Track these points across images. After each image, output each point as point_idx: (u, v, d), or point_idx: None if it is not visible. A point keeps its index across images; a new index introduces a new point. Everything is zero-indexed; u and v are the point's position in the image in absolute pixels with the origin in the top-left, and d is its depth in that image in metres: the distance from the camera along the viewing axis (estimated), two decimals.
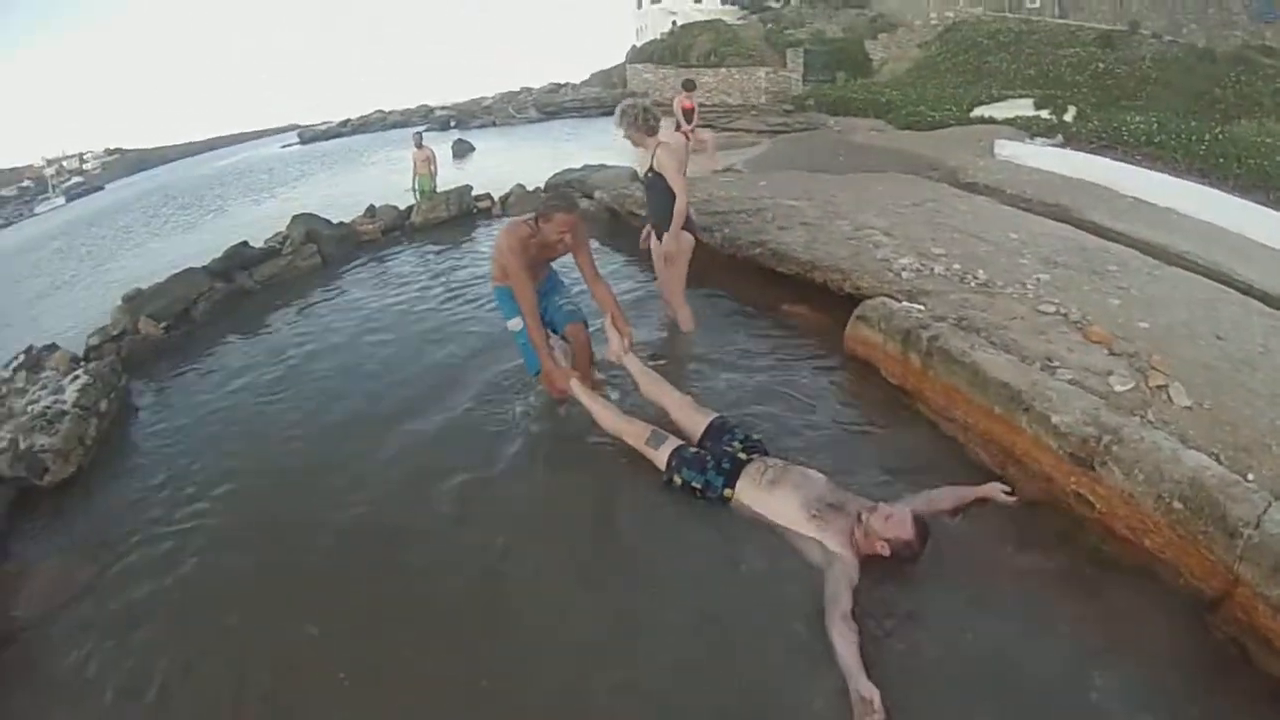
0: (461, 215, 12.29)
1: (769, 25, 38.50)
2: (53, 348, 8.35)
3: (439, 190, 13.83)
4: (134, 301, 8.88)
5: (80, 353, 8.10)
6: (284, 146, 66.10)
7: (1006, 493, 3.54)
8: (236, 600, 3.86)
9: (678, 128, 14.22)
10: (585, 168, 12.64)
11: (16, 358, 8.23)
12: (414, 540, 3.96)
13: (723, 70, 32.02)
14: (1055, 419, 3.55)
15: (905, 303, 5.02)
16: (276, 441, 5.50)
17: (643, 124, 5.71)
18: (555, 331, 5.07)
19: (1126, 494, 3.22)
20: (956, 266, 5.68)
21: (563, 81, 53.73)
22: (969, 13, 31.00)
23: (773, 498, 3.51)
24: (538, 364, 4.75)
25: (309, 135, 68.37)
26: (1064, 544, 3.42)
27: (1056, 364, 4.08)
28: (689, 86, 15.17)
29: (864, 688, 2.59)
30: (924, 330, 4.53)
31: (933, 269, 5.65)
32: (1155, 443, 3.25)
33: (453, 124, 45.05)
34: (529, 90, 54.66)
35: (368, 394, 5.91)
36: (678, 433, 4.11)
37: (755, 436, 4.02)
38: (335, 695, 3.13)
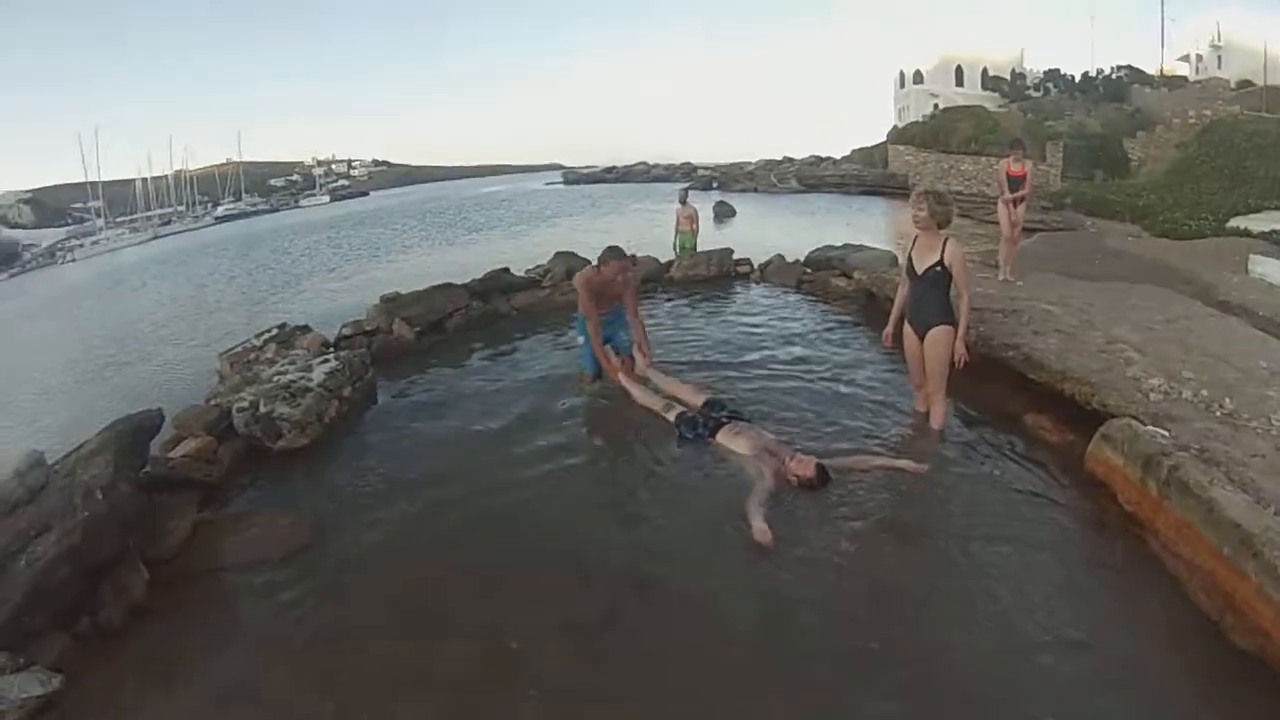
0: (721, 276, 12.34)
1: (1029, 115, 36.99)
2: (306, 329, 9.02)
3: (699, 249, 13.79)
4: (392, 303, 9.42)
5: (331, 339, 8.60)
6: (548, 184, 68.92)
7: (915, 467, 5.12)
8: (439, 593, 4.10)
9: (1000, 196, 11.12)
10: (845, 246, 12.22)
11: (269, 330, 8.92)
12: (588, 529, 4.79)
13: (983, 159, 31.01)
14: None
15: (1150, 426, 4.73)
16: (498, 451, 5.87)
17: (940, 216, 5.52)
18: (618, 351, 7.00)
19: None
20: (1204, 393, 5.27)
21: (824, 155, 53.74)
22: (1227, 111, 28.72)
23: (735, 442, 5.41)
24: (593, 365, 6.92)
25: (573, 177, 71.70)
26: (1270, 703, 3.15)
27: None
28: (1017, 146, 11.42)
29: (757, 526, 4.32)
30: (1165, 458, 4.21)
31: (1180, 393, 5.28)
32: None
33: (714, 185, 45.84)
34: (790, 160, 55.06)
35: (587, 422, 6.55)
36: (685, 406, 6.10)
37: (737, 411, 5.98)
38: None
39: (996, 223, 11.40)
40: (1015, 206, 10.89)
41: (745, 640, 3.65)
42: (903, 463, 5.21)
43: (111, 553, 4.17)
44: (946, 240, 5.55)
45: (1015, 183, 10.84)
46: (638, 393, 6.47)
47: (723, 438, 5.53)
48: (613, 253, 6.70)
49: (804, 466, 4.89)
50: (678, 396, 6.29)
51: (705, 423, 5.73)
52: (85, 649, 3.80)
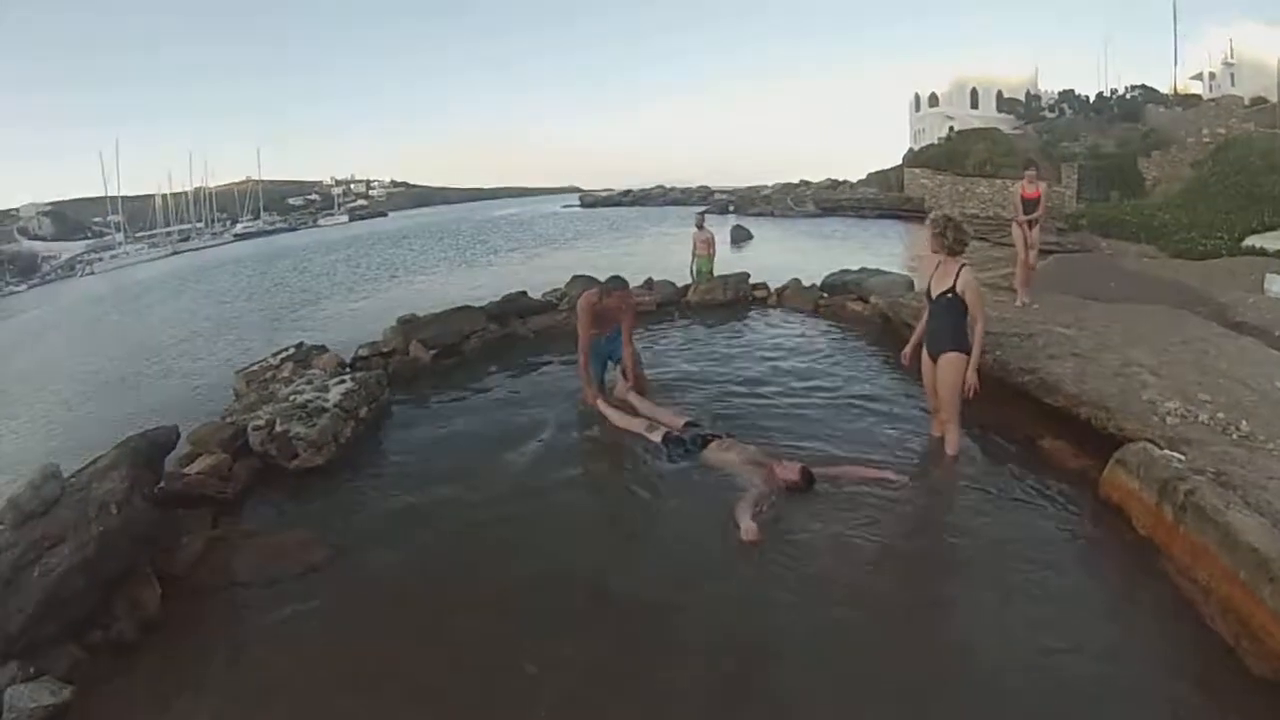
0: (737, 301, 12.30)
1: (1044, 136, 36.89)
2: (322, 349, 8.98)
3: (716, 273, 13.74)
4: (409, 325, 9.43)
5: (348, 359, 8.62)
6: (565, 206, 69.37)
7: (900, 476, 5.32)
8: (452, 613, 4.10)
9: (1015, 218, 10.88)
10: (861, 270, 12.12)
11: (286, 349, 8.90)
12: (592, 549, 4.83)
13: (998, 181, 30.95)
14: None
15: (1166, 450, 4.66)
16: (511, 473, 5.89)
17: (953, 241, 5.53)
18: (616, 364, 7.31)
19: None
20: (1220, 415, 5.21)
21: (840, 179, 53.39)
22: (1241, 128, 28.30)
23: (723, 456, 5.63)
24: (599, 382, 7.13)
25: (590, 200, 72.15)
26: None
27: None
28: (1030, 168, 11.25)
29: (745, 525, 4.60)
30: (1181, 482, 4.18)
31: (1197, 416, 5.21)
32: None
33: (731, 209, 46.01)
34: (807, 184, 54.79)
35: (597, 442, 6.57)
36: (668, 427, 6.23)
37: (720, 429, 6.18)
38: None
39: (1012, 245, 11.20)
40: (1030, 229, 10.64)
41: (754, 657, 3.66)
42: (890, 473, 5.40)
43: (125, 567, 4.20)
44: (962, 267, 5.52)
45: (1030, 205, 10.62)
46: (616, 417, 6.63)
47: (711, 453, 5.74)
48: (617, 282, 6.98)
49: (789, 470, 5.23)
50: (658, 419, 6.42)
51: (693, 440, 5.90)
52: (97, 661, 3.81)
